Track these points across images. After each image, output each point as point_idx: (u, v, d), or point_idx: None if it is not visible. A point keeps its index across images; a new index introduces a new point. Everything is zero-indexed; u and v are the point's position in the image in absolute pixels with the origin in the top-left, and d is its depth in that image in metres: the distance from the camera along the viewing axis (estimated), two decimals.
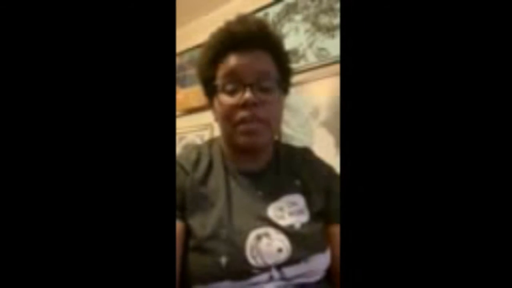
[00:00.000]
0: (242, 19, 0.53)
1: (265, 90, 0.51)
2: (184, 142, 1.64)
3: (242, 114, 0.49)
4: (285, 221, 0.50)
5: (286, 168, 0.57)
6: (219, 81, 0.52)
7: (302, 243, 0.48)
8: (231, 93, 0.50)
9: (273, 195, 0.53)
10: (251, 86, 0.49)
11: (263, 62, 0.52)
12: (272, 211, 0.51)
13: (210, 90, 0.55)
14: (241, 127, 0.50)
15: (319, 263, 0.49)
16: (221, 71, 0.52)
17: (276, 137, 0.60)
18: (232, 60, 0.51)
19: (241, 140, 0.50)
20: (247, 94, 0.48)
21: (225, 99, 0.51)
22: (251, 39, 0.51)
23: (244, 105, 0.49)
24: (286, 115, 1.22)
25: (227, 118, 0.51)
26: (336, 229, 0.53)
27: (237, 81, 0.50)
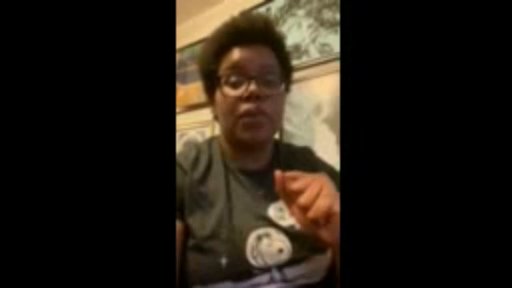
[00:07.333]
0: (247, 15, 0.54)
1: (269, 84, 0.50)
2: (185, 138, 1.64)
3: (245, 106, 0.49)
4: (285, 221, 0.49)
5: (287, 167, 0.57)
6: (222, 73, 0.51)
7: (303, 244, 0.48)
8: (235, 85, 0.50)
9: (273, 195, 0.52)
10: (255, 79, 0.49)
11: (266, 57, 0.52)
12: (272, 211, 0.50)
13: (212, 84, 0.54)
14: (244, 120, 0.49)
15: (320, 263, 0.48)
16: (224, 64, 0.52)
17: (277, 135, 0.60)
18: (236, 53, 0.51)
19: (243, 134, 0.50)
20: (252, 87, 0.48)
21: (229, 92, 0.50)
22: (255, 34, 0.51)
23: (249, 98, 0.48)
24: (288, 112, 1.21)
25: (230, 111, 0.50)
26: None
27: (241, 73, 0.50)
